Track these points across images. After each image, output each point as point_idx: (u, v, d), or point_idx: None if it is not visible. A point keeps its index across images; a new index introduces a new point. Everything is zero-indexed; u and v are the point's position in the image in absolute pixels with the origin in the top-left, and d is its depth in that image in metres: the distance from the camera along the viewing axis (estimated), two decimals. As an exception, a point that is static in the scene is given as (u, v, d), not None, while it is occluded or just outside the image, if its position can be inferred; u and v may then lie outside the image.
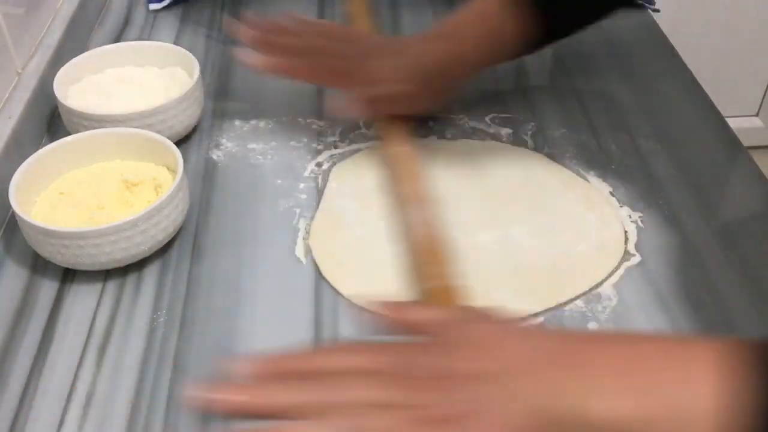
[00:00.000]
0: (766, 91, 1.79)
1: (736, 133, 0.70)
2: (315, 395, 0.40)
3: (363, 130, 0.70)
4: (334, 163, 0.66)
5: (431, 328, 0.43)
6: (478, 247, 0.58)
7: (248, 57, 0.67)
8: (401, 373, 0.40)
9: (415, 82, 0.65)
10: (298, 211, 0.61)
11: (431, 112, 0.70)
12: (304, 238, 0.59)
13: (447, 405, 0.39)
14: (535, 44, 0.67)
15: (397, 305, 0.46)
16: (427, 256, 0.55)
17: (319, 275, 0.56)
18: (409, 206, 0.59)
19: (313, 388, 0.40)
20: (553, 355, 0.40)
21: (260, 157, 0.67)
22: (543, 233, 0.59)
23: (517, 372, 0.39)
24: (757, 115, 1.83)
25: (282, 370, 0.42)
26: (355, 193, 0.63)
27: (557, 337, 0.42)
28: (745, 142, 0.69)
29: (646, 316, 0.53)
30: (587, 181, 0.64)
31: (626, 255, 0.57)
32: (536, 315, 0.53)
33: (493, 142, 0.68)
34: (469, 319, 0.44)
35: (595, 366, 0.39)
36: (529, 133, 0.69)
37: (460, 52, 0.65)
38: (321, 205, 0.62)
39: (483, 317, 0.44)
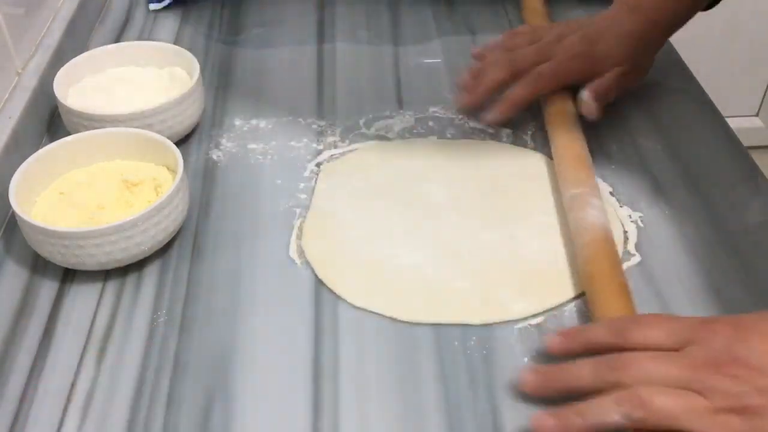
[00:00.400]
0: (766, 91, 1.79)
1: (736, 133, 0.69)
2: (608, 375, 0.42)
3: (363, 130, 0.70)
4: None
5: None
6: (479, 246, 0.58)
7: (489, 117, 0.69)
8: (691, 351, 0.41)
9: (632, 59, 0.66)
10: (297, 211, 0.61)
11: (636, 84, 0.70)
12: (297, 237, 0.59)
13: (742, 394, 0.38)
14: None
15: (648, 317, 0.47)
16: (601, 256, 0.53)
17: (317, 274, 0.56)
18: (579, 206, 0.58)
19: (605, 367, 0.43)
20: None
21: (260, 157, 0.67)
22: (543, 233, 0.59)
23: None
24: (757, 115, 1.82)
25: (583, 342, 0.46)
26: (345, 194, 0.63)
27: None
28: (745, 142, 0.69)
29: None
30: (587, 181, 0.64)
31: (626, 255, 0.57)
32: (536, 315, 0.53)
33: (493, 142, 0.68)
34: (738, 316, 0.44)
35: None
36: (529, 133, 0.69)
37: (659, 19, 0.66)
38: (311, 207, 0.61)
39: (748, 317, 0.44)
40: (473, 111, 0.70)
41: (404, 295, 0.54)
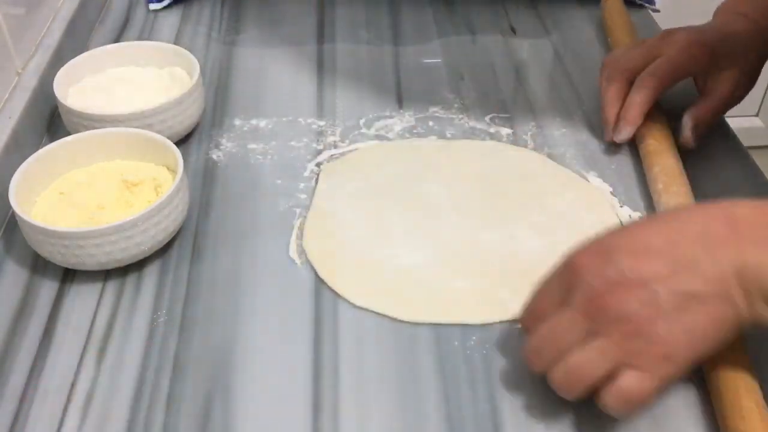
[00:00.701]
0: (766, 91, 1.79)
1: (736, 133, 0.69)
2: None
3: (363, 130, 0.70)
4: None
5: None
6: (479, 246, 0.58)
7: (619, 138, 0.67)
8: (586, 310, 0.43)
9: (743, 56, 0.65)
10: (297, 211, 0.61)
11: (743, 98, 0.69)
12: (297, 237, 0.59)
13: (632, 316, 0.42)
14: None
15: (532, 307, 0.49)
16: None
17: (317, 274, 0.56)
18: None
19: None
20: (715, 231, 0.44)
21: (260, 157, 0.67)
22: (543, 233, 0.59)
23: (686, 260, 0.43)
24: (757, 115, 1.82)
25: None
26: (346, 194, 0.63)
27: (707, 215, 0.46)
28: (745, 142, 0.69)
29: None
30: (587, 181, 0.64)
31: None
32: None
33: (493, 142, 0.68)
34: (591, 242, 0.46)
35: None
36: (529, 133, 0.69)
37: (758, 25, 0.66)
38: (311, 206, 0.61)
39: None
40: (615, 136, 0.67)
41: (404, 294, 0.54)
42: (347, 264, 0.57)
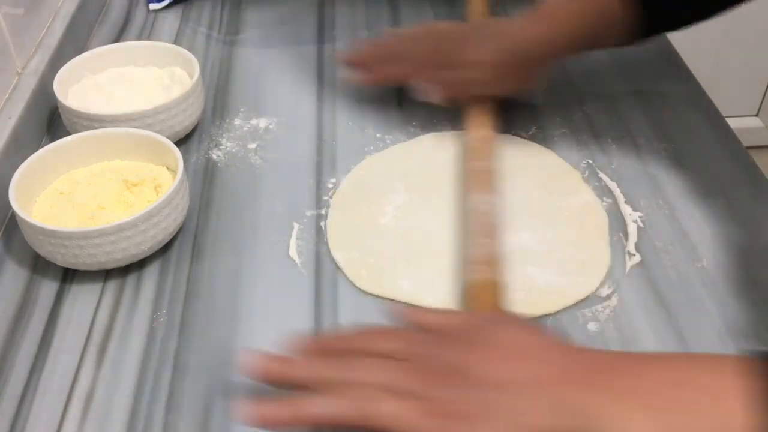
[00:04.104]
0: (766, 91, 1.79)
1: (736, 133, 0.69)
2: (335, 372, 0.42)
3: (365, 130, 0.70)
4: (334, 164, 0.66)
5: (459, 328, 0.44)
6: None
7: (350, 76, 0.71)
8: (420, 362, 0.41)
9: (504, 64, 0.65)
10: (298, 211, 0.61)
11: (518, 94, 0.69)
12: (297, 237, 0.59)
13: (458, 402, 0.39)
14: (639, 34, 0.65)
15: (422, 311, 0.48)
16: (480, 243, 0.55)
17: (317, 273, 0.56)
18: (473, 193, 0.59)
19: (335, 365, 0.42)
20: (576, 372, 0.39)
21: (260, 157, 0.67)
22: (544, 232, 0.59)
23: (536, 385, 0.39)
24: (757, 115, 1.83)
25: (316, 348, 0.45)
26: (370, 194, 0.63)
27: (582, 355, 0.42)
28: (745, 142, 0.69)
29: (646, 316, 0.53)
30: (588, 182, 0.64)
31: (626, 255, 0.57)
32: (538, 318, 0.53)
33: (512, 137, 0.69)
34: (496, 321, 0.44)
35: (616, 387, 0.38)
36: (529, 133, 0.69)
37: (555, 34, 0.65)
38: (334, 205, 0.62)
39: (510, 322, 0.44)
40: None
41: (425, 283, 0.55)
42: (370, 262, 0.57)
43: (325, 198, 0.62)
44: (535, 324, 0.43)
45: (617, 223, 0.60)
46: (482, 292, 0.52)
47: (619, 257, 0.57)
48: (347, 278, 0.56)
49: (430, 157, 0.66)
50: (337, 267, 0.56)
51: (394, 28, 0.76)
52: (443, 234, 0.59)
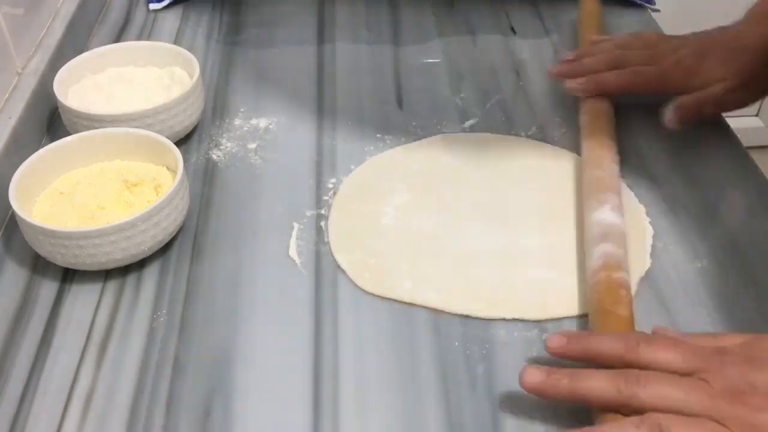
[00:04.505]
0: (766, 92, 1.79)
1: (736, 133, 0.69)
2: (625, 388, 0.41)
3: (365, 130, 0.70)
4: (334, 164, 0.66)
5: (730, 342, 0.42)
6: (481, 254, 0.58)
7: (570, 84, 0.69)
8: (709, 379, 0.40)
9: (742, 74, 0.64)
10: (298, 211, 0.61)
11: (748, 104, 0.67)
12: (297, 237, 0.59)
13: (763, 424, 0.38)
14: None
15: (672, 335, 0.46)
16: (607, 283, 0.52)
17: (317, 273, 0.56)
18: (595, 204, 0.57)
19: (623, 378, 0.41)
20: None
21: (260, 157, 0.67)
22: (545, 234, 0.59)
23: None
24: (757, 115, 1.82)
25: (593, 350, 0.44)
26: (373, 192, 0.63)
27: None
28: (745, 142, 0.69)
29: (646, 316, 0.52)
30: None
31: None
32: (540, 322, 0.53)
33: (513, 137, 0.69)
34: (760, 338, 0.43)
35: None
36: (529, 133, 0.69)
37: None
38: (334, 206, 0.62)
39: None
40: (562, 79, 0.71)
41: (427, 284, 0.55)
42: (372, 262, 0.57)
43: (325, 198, 0.62)
44: None
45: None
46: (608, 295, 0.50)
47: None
48: (349, 279, 0.56)
49: (433, 158, 0.66)
50: (338, 267, 0.56)
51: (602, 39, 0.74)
52: (445, 234, 0.59)
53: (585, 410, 0.45)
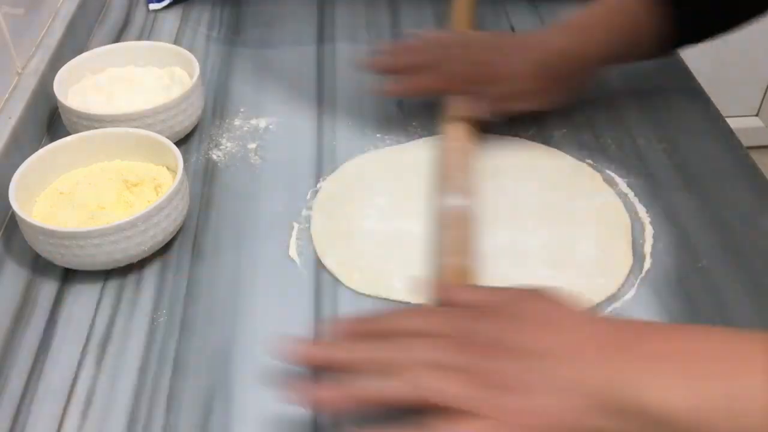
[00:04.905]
0: (766, 91, 1.79)
1: (736, 133, 0.69)
2: (381, 353, 0.43)
3: (365, 130, 0.70)
4: (334, 164, 0.66)
5: (490, 304, 0.44)
6: (488, 248, 0.58)
7: (377, 87, 0.68)
8: (462, 337, 0.42)
9: (537, 77, 0.65)
10: (297, 211, 0.61)
11: (552, 107, 0.68)
12: (297, 237, 0.59)
13: (503, 373, 0.40)
14: (670, 45, 0.66)
15: (451, 286, 0.49)
16: (453, 235, 0.55)
17: (317, 273, 0.56)
18: (447, 194, 0.59)
19: (379, 346, 0.43)
20: (610, 340, 0.40)
21: (260, 157, 0.67)
22: (543, 234, 0.59)
23: (574, 353, 0.40)
24: (757, 115, 1.83)
25: (355, 331, 0.45)
26: (354, 192, 0.63)
27: (612, 324, 0.43)
28: (745, 142, 0.69)
29: (646, 316, 0.52)
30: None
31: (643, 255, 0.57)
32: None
33: (518, 139, 0.68)
34: (528, 296, 0.45)
35: (650, 355, 0.39)
36: (529, 133, 0.69)
37: (584, 47, 0.65)
38: (317, 204, 0.61)
39: (537, 295, 0.45)
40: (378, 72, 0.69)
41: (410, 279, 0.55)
42: (356, 260, 0.57)
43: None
44: (559, 295, 0.44)
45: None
46: (454, 279, 0.52)
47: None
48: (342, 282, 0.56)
49: (426, 158, 0.66)
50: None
51: (414, 31, 0.73)
52: (426, 232, 0.59)
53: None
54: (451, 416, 0.39)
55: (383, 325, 0.45)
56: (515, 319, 0.43)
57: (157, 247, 0.57)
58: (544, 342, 0.41)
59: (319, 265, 0.57)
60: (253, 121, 0.71)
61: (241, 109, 0.72)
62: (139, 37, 0.83)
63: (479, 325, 0.43)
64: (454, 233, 0.56)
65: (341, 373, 0.43)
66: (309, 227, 0.60)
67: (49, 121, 0.70)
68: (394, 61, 0.69)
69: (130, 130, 0.62)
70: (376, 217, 0.60)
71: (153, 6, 0.87)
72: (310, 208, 0.61)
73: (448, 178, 0.61)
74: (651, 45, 0.65)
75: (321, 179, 0.64)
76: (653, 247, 0.58)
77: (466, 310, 0.45)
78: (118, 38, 0.83)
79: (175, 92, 0.67)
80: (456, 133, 0.65)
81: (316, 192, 0.63)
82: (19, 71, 0.69)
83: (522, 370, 0.40)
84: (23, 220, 0.54)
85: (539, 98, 0.66)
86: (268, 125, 0.71)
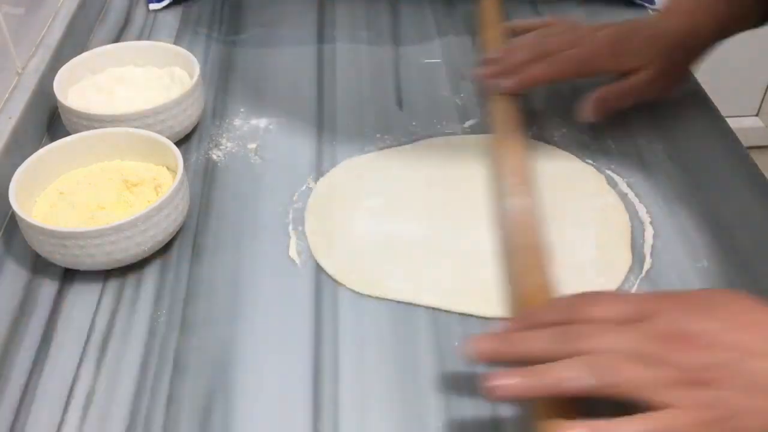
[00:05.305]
0: (766, 91, 1.79)
1: (736, 133, 0.69)
2: (568, 343, 0.41)
3: (365, 130, 0.70)
4: (334, 164, 0.66)
5: (672, 295, 0.44)
6: (489, 248, 0.58)
7: (495, 84, 0.68)
8: (652, 325, 0.41)
9: (661, 61, 0.65)
10: (298, 211, 0.61)
11: (669, 93, 0.68)
12: (297, 237, 0.59)
13: (705, 370, 0.39)
14: None
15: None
16: (523, 248, 0.54)
17: (317, 273, 0.56)
18: (509, 195, 0.59)
19: (565, 336, 0.42)
20: None
21: (260, 157, 0.67)
22: (543, 233, 0.59)
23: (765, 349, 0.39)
24: (757, 115, 1.82)
25: (535, 323, 0.44)
26: (351, 193, 0.63)
27: None
28: (745, 142, 0.69)
29: (646, 316, 0.53)
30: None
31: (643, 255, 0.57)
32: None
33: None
34: (712, 291, 0.45)
35: None
36: (530, 133, 0.69)
37: (697, 25, 0.65)
38: (312, 205, 0.62)
39: (726, 291, 0.44)
40: (491, 85, 0.69)
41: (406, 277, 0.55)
42: (353, 261, 0.57)
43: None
44: (746, 295, 0.43)
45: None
46: (533, 294, 0.51)
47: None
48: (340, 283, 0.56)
49: (423, 159, 0.66)
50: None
51: (521, 22, 0.74)
52: (422, 233, 0.59)
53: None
54: (642, 407, 0.38)
55: (561, 314, 0.44)
56: (710, 310, 0.41)
57: (157, 247, 0.57)
58: (744, 335, 0.39)
59: (319, 265, 0.57)
60: (253, 121, 0.71)
61: (241, 109, 0.72)
62: (139, 37, 0.83)
63: (669, 314, 0.41)
64: (525, 243, 0.55)
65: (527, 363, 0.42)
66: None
67: (49, 121, 0.70)
68: (509, 61, 0.68)
69: (130, 130, 0.62)
70: (374, 217, 0.60)
71: (153, 6, 0.87)
72: (309, 209, 0.61)
73: (508, 179, 0.60)
74: (756, 14, 0.65)
75: (319, 179, 0.64)
76: (653, 247, 0.58)
77: (652, 297, 0.44)
78: (118, 38, 0.83)
79: (175, 92, 0.67)
80: (509, 131, 0.65)
81: (314, 192, 0.63)
82: (19, 71, 0.69)
83: (725, 366, 0.39)
84: (23, 220, 0.54)
85: (658, 86, 0.67)
86: (268, 125, 0.71)
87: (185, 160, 0.62)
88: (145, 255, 0.56)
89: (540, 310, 0.46)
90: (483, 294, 0.54)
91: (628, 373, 0.39)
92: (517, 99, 0.68)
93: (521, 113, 0.67)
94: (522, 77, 0.67)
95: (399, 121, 0.71)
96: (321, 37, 0.83)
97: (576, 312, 0.43)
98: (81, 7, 0.81)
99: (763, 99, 1.80)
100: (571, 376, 0.40)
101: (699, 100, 0.73)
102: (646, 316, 0.41)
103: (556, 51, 0.67)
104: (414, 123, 0.70)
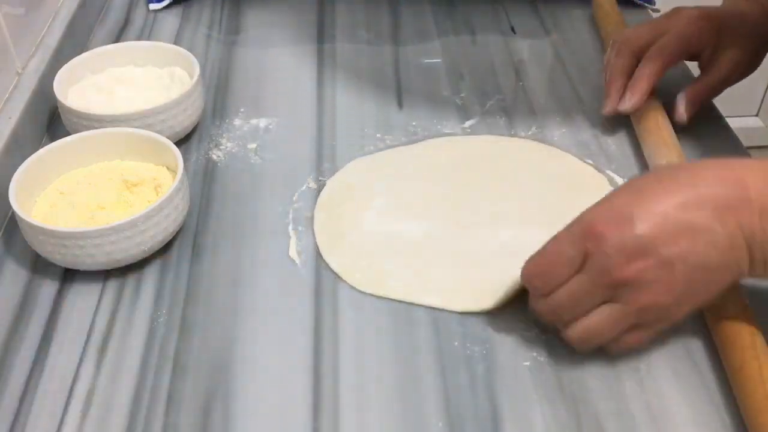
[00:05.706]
0: (766, 91, 1.79)
1: (736, 133, 0.70)
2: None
3: (365, 130, 0.70)
4: (334, 164, 0.66)
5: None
6: (489, 244, 0.58)
7: (625, 106, 0.68)
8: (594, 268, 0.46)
9: (746, 38, 0.66)
10: (298, 211, 0.61)
11: (750, 73, 0.69)
12: (297, 237, 0.59)
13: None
14: None
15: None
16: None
17: (317, 273, 0.56)
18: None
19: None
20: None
21: (260, 157, 0.67)
22: (543, 233, 0.59)
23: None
24: (757, 115, 1.82)
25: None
26: (356, 192, 0.63)
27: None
28: (745, 142, 0.69)
29: (646, 316, 0.53)
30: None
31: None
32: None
33: (519, 139, 0.68)
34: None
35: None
36: (529, 133, 0.69)
37: (766, 7, 0.66)
38: (319, 204, 0.62)
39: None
40: (620, 105, 0.68)
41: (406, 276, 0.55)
42: (358, 260, 0.57)
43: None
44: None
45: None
46: None
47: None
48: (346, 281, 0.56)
49: (425, 158, 0.66)
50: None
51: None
52: (423, 233, 0.59)
53: (584, 403, 0.45)
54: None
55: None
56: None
57: (157, 247, 0.57)
58: (663, 237, 0.44)
59: (319, 265, 0.57)
60: (253, 121, 0.71)
61: (241, 109, 0.72)
62: (139, 37, 0.83)
63: (600, 247, 0.46)
64: None
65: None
66: (309, 227, 0.60)
67: (49, 121, 0.70)
68: (624, 64, 0.68)
69: (130, 130, 0.62)
70: (379, 217, 0.60)
71: (153, 6, 0.87)
72: (309, 208, 0.61)
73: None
74: None
75: (322, 179, 0.64)
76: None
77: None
78: (118, 38, 0.83)
79: (175, 92, 0.67)
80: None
81: (316, 192, 0.63)
82: (19, 71, 0.69)
83: (658, 277, 0.45)
84: (23, 220, 0.54)
85: (745, 69, 0.68)
86: (268, 125, 0.71)
87: (185, 160, 0.62)
88: (145, 255, 0.56)
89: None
90: (483, 294, 0.54)
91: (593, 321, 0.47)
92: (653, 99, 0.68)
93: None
94: (633, 90, 0.67)
95: (399, 121, 0.71)
96: (321, 37, 0.83)
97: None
98: (81, 7, 0.81)
99: (763, 99, 1.80)
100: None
101: (699, 100, 0.73)
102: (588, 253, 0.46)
103: (645, 44, 0.67)
104: (414, 123, 0.70)
